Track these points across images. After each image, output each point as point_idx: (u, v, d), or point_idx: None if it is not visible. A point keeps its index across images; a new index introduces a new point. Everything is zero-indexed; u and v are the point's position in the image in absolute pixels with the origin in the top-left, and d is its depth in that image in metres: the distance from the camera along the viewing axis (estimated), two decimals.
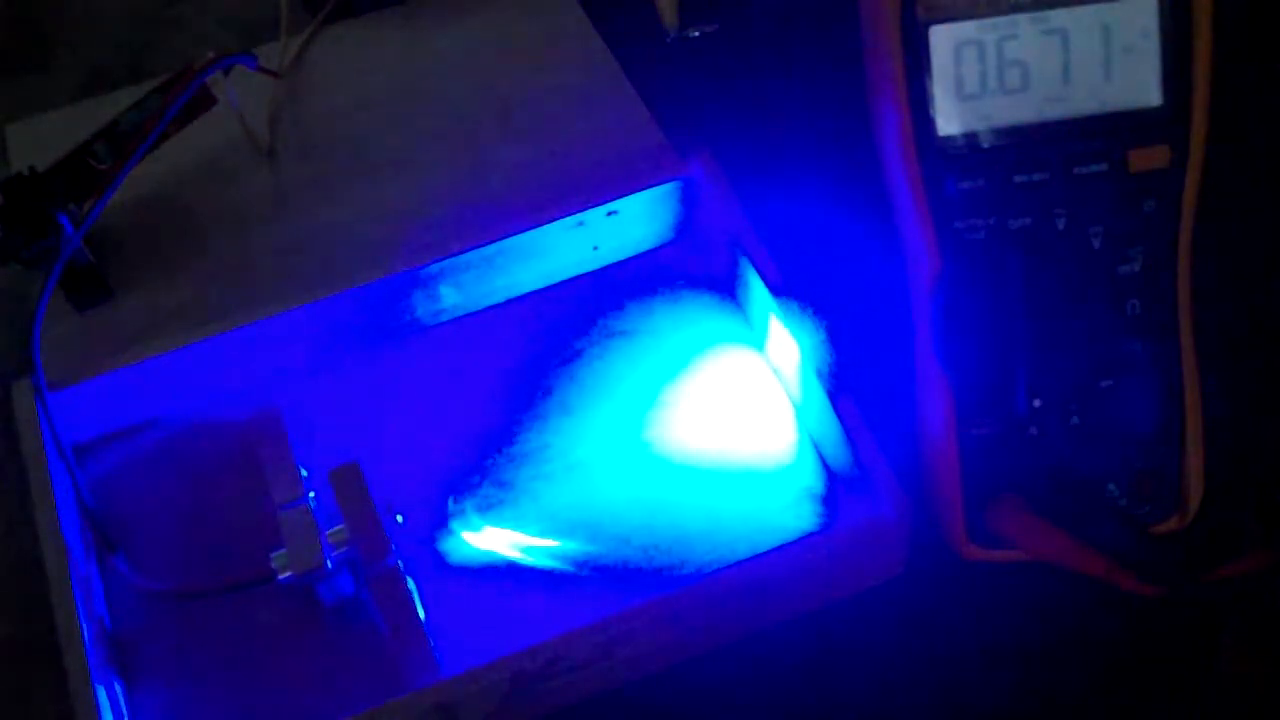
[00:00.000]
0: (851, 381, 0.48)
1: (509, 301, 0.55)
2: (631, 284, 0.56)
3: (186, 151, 0.60)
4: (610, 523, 0.49)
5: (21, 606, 0.50)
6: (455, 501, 0.50)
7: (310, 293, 0.52)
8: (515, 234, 0.53)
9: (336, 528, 0.48)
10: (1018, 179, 0.43)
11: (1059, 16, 0.43)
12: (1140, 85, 0.43)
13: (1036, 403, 0.45)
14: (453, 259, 0.53)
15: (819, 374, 0.49)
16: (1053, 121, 0.43)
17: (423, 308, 0.54)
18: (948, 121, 0.43)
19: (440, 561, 0.49)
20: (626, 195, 0.54)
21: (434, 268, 0.53)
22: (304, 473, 0.50)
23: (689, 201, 0.55)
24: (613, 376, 0.53)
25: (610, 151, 0.60)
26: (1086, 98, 0.43)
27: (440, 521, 0.50)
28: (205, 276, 0.58)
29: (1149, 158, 0.43)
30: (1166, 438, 0.46)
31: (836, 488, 0.49)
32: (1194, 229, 0.44)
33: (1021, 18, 0.43)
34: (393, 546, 0.47)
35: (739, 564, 0.45)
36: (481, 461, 0.51)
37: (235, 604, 0.48)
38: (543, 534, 0.49)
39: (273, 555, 0.47)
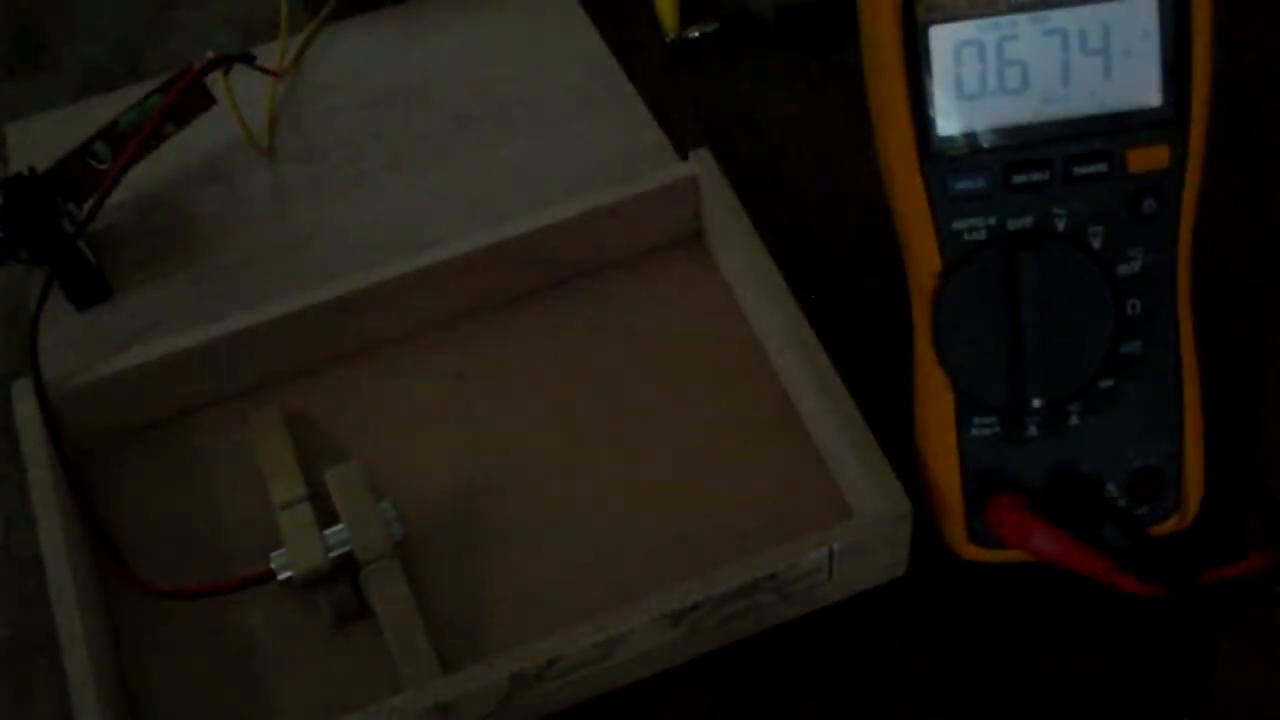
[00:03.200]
0: (852, 381, 0.49)
1: (509, 301, 0.55)
2: (632, 284, 0.56)
3: (186, 151, 0.60)
4: (610, 522, 0.49)
5: (21, 606, 0.50)
6: (456, 500, 0.50)
7: (310, 293, 0.52)
8: (516, 234, 0.53)
9: (336, 528, 0.48)
10: (1017, 179, 0.43)
11: (1059, 16, 0.42)
12: (1140, 85, 0.43)
13: (1036, 403, 0.44)
14: (452, 259, 0.53)
15: (817, 374, 0.49)
16: (1052, 121, 0.43)
17: (422, 307, 0.54)
18: (948, 121, 0.43)
19: (440, 561, 0.49)
20: (626, 195, 0.54)
21: (433, 268, 0.53)
22: (304, 473, 0.50)
23: (689, 201, 0.55)
24: (613, 376, 0.53)
25: (610, 151, 0.60)
26: (1086, 98, 0.43)
27: (440, 521, 0.50)
28: (205, 276, 0.58)
29: (1149, 158, 0.43)
30: (1166, 438, 0.46)
31: (836, 488, 0.49)
32: (1194, 229, 0.44)
33: (1021, 18, 0.43)
34: (393, 546, 0.47)
35: (738, 564, 0.45)
36: (481, 461, 0.51)
37: (235, 604, 0.48)
38: (542, 534, 0.49)
39: (273, 555, 0.47)
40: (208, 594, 0.48)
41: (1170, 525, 0.46)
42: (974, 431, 0.46)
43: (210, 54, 0.59)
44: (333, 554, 0.47)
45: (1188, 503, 0.46)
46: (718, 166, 0.55)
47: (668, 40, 0.64)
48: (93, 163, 0.57)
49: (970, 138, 0.43)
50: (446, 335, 0.55)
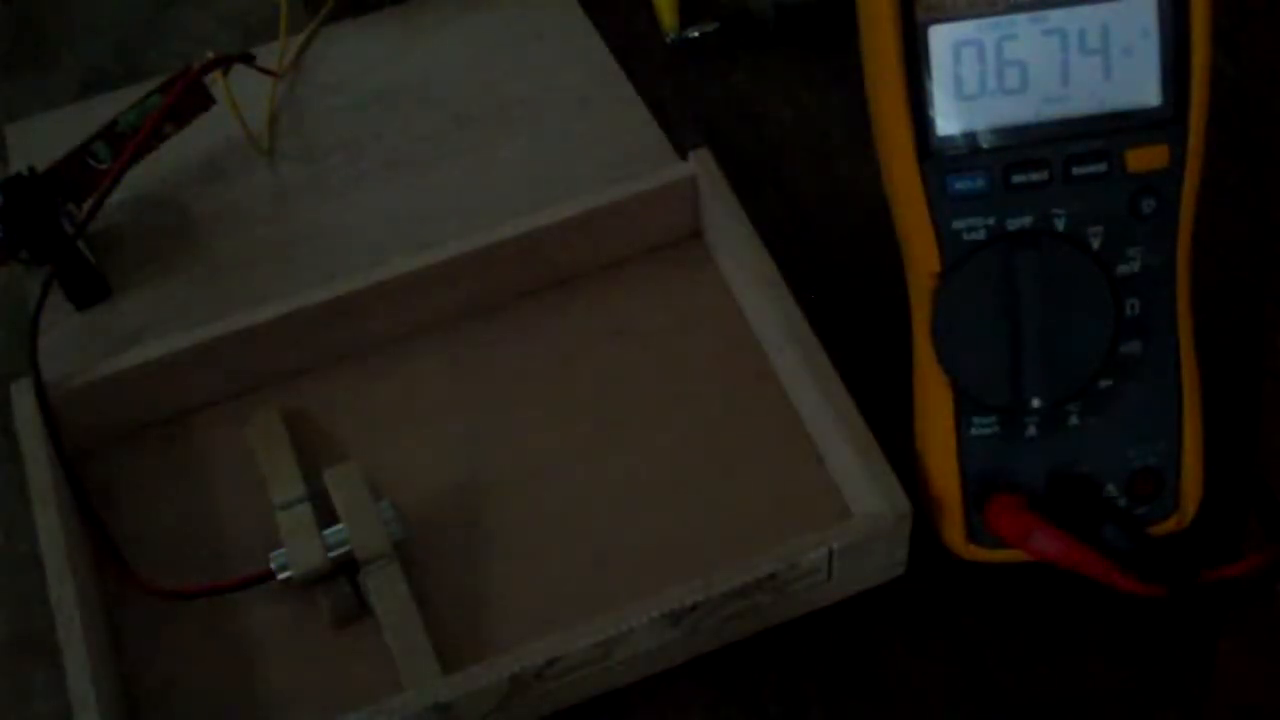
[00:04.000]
0: (852, 381, 0.49)
1: (509, 301, 0.55)
2: (632, 284, 0.56)
3: (186, 151, 0.60)
4: (610, 522, 0.49)
5: (21, 606, 0.50)
6: (456, 500, 0.50)
7: (310, 293, 0.52)
8: (516, 234, 0.53)
9: (336, 527, 0.48)
10: (1017, 179, 0.43)
11: (1058, 16, 0.42)
12: (1139, 85, 0.43)
13: (1036, 403, 0.45)
14: (452, 259, 0.53)
15: (817, 374, 0.49)
16: (1052, 121, 0.43)
17: (422, 307, 0.54)
18: (947, 121, 0.43)
19: (440, 560, 0.49)
20: (626, 195, 0.54)
21: (433, 268, 0.53)
22: (303, 473, 0.50)
23: (689, 201, 0.55)
24: (613, 376, 0.53)
25: (610, 151, 0.60)
26: (1085, 97, 0.43)
27: (440, 521, 0.50)
28: (205, 276, 0.58)
29: (1148, 157, 0.43)
30: (1166, 438, 0.46)
31: (836, 488, 0.49)
32: (1194, 229, 0.44)
33: (1020, 17, 0.43)
34: (393, 546, 0.47)
35: (738, 564, 0.45)
36: (481, 461, 0.51)
37: (235, 604, 0.48)
38: (542, 533, 0.49)
39: (272, 555, 0.47)
40: (208, 594, 0.48)
41: (1170, 525, 0.46)
42: (974, 431, 0.46)
43: (210, 54, 0.59)
44: (332, 554, 0.47)
45: (1187, 503, 0.46)
46: (718, 166, 0.55)
47: (668, 40, 0.64)
48: (93, 163, 0.57)
49: (969, 137, 0.43)
50: (446, 335, 0.55)
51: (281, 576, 0.47)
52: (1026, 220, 0.44)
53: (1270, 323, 0.53)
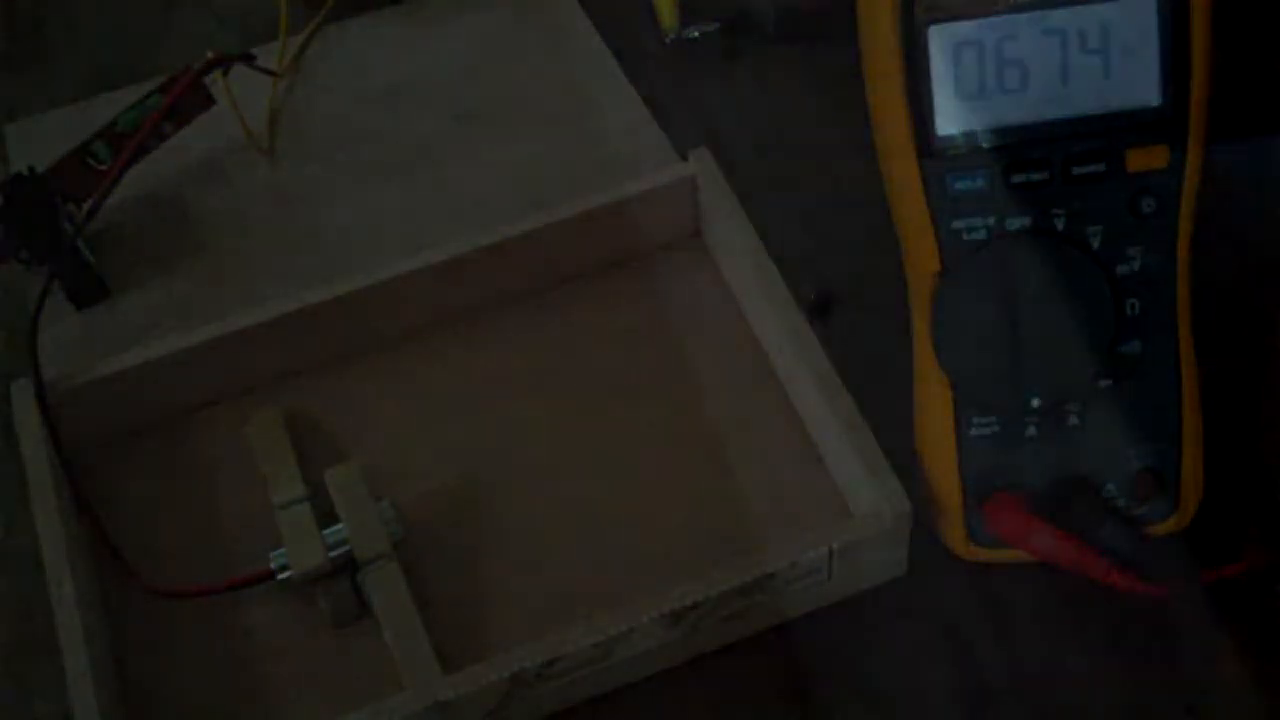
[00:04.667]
0: (852, 381, 0.49)
1: (509, 301, 0.55)
2: (632, 284, 0.56)
3: (186, 151, 0.60)
4: (610, 522, 0.49)
5: (21, 606, 0.50)
6: (456, 500, 0.50)
7: (310, 293, 0.52)
8: (516, 234, 0.53)
9: (336, 527, 0.48)
10: (1016, 178, 0.43)
11: (1058, 16, 0.43)
12: (1139, 84, 0.43)
13: (1036, 403, 0.45)
14: (453, 259, 0.53)
15: (818, 373, 0.49)
16: (1051, 121, 0.43)
17: (422, 307, 0.54)
18: (947, 121, 0.43)
19: (440, 560, 0.49)
20: (626, 195, 0.54)
21: (433, 267, 0.53)
22: (304, 473, 0.50)
23: (689, 201, 0.55)
24: (613, 377, 0.53)
25: (610, 151, 0.60)
26: (1085, 97, 0.43)
27: (439, 520, 0.50)
28: (205, 276, 0.58)
29: (1147, 157, 0.43)
30: (1166, 438, 0.46)
31: (836, 488, 0.49)
32: (1193, 229, 0.44)
33: (1020, 17, 0.43)
34: (393, 545, 0.47)
35: (738, 564, 0.45)
36: (482, 461, 0.51)
37: (235, 604, 0.48)
38: (542, 533, 0.49)
39: (272, 555, 0.47)
40: (208, 594, 0.48)
41: (1169, 525, 0.46)
42: (974, 431, 0.46)
43: (210, 54, 0.59)
44: (332, 554, 0.47)
45: (1187, 503, 0.46)
46: (718, 166, 0.55)
47: (668, 40, 0.64)
48: (92, 163, 0.58)
49: (969, 137, 0.43)
50: (446, 335, 0.55)
51: (281, 576, 0.47)
52: (1026, 220, 0.44)
53: (1270, 323, 0.53)
